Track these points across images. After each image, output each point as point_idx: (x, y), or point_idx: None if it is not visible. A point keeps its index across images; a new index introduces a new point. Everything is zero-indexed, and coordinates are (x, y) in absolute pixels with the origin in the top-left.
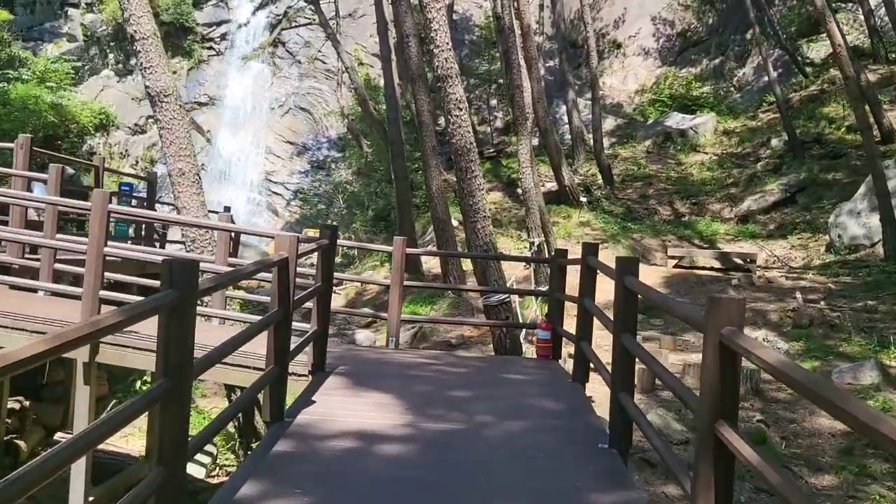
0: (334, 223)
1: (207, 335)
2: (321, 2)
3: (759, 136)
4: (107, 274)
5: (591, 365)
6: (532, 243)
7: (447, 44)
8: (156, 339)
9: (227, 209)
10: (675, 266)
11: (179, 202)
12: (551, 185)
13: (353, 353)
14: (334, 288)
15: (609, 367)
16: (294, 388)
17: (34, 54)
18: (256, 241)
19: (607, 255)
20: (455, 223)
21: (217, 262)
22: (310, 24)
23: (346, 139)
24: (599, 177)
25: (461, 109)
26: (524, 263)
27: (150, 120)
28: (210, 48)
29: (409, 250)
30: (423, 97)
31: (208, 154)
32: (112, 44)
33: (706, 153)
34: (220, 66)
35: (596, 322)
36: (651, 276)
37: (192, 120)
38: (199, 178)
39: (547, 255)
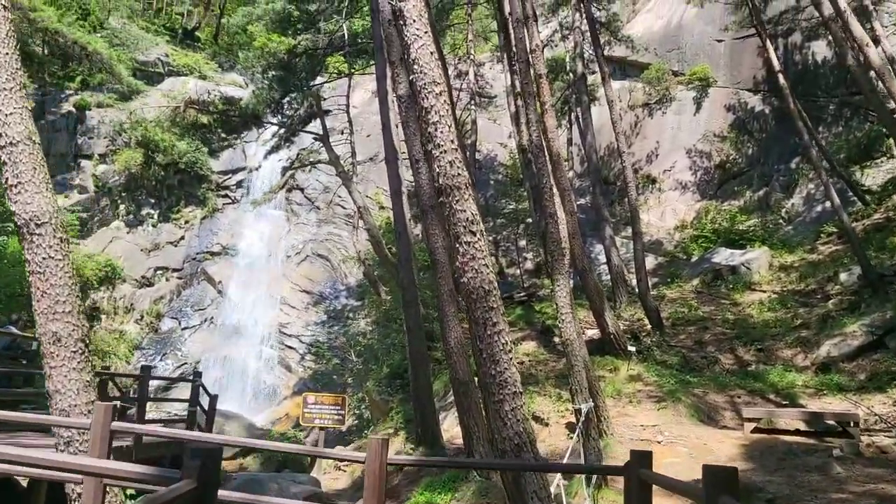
0: (349, 380)
1: None
2: (338, 143)
3: (823, 271)
4: None
5: None
6: (578, 410)
7: (452, 143)
8: None
9: (199, 375)
10: (754, 430)
11: (51, 382)
12: (593, 333)
13: None
14: (338, 464)
15: None
16: None
17: None
18: (238, 408)
19: (666, 417)
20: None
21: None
22: (318, 162)
23: (365, 286)
24: (647, 321)
25: (474, 234)
26: (568, 431)
27: (159, 272)
28: (225, 196)
29: (391, 459)
30: (436, 231)
31: (219, 307)
32: (124, 194)
33: (763, 291)
34: (234, 214)
35: None
36: (725, 444)
37: (204, 271)
38: (86, 346)
39: (597, 423)
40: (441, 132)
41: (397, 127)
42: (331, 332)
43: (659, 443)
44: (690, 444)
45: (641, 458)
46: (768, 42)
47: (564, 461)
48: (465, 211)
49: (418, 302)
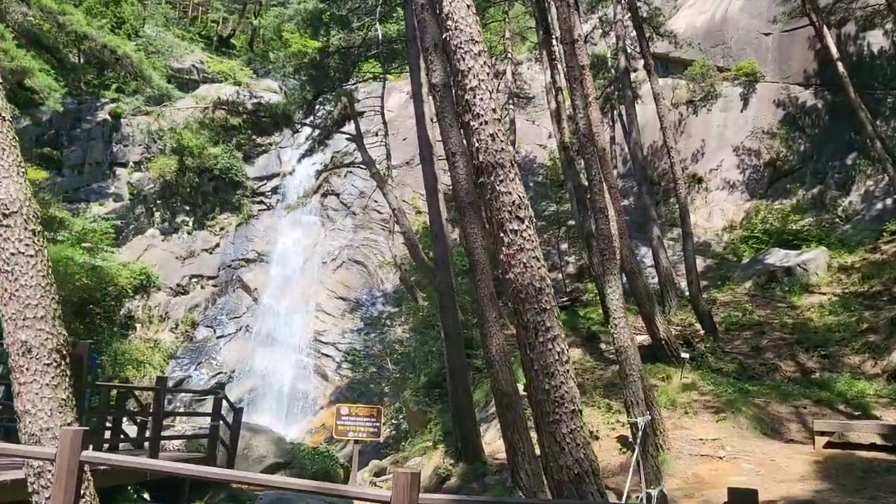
0: (386, 389)
1: None
2: (373, 145)
3: (889, 271)
4: None
5: None
6: (634, 425)
7: (493, 112)
8: None
9: (221, 386)
10: (827, 445)
11: (20, 401)
12: (642, 339)
13: None
14: (374, 480)
15: None
16: None
17: (80, 215)
18: (274, 418)
19: (726, 429)
20: (524, 390)
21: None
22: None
23: (402, 292)
24: (699, 326)
25: (521, 220)
26: (620, 445)
27: (194, 279)
28: (260, 202)
29: (423, 500)
30: (475, 230)
31: (255, 315)
32: (159, 202)
33: (823, 293)
34: (270, 220)
35: None
36: (795, 460)
37: (239, 278)
38: (62, 358)
39: (655, 438)
40: (481, 99)
41: (432, 121)
42: (367, 340)
43: (721, 458)
44: (756, 459)
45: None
46: (825, 30)
47: (627, 486)
48: (510, 193)
49: (456, 307)
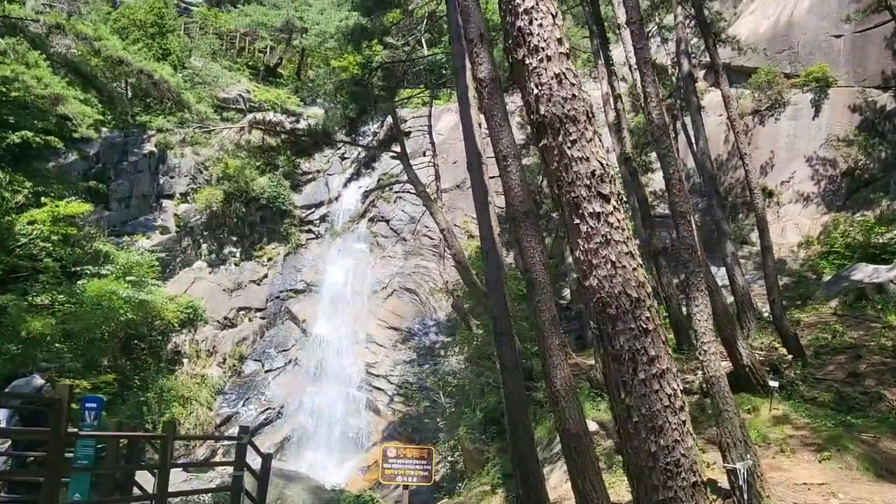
0: (440, 424)
1: None
2: (420, 166)
3: None
4: None
5: None
6: (735, 471)
7: (558, 44)
8: None
9: (245, 430)
10: None
11: None
12: (723, 365)
13: None
14: None
15: None
16: None
17: (126, 248)
18: (321, 459)
19: (833, 471)
20: (594, 426)
21: None
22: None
23: (455, 320)
24: (784, 350)
25: (606, 199)
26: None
27: (242, 312)
28: (308, 231)
29: None
30: (532, 243)
31: (303, 346)
32: (205, 233)
33: None
34: (318, 249)
35: None
36: None
37: (288, 310)
38: None
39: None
40: (540, 25)
41: (480, 126)
42: (420, 372)
43: None
44: None
45: None
46: None
47: None
48: (586, 159)
49: (513, 334)
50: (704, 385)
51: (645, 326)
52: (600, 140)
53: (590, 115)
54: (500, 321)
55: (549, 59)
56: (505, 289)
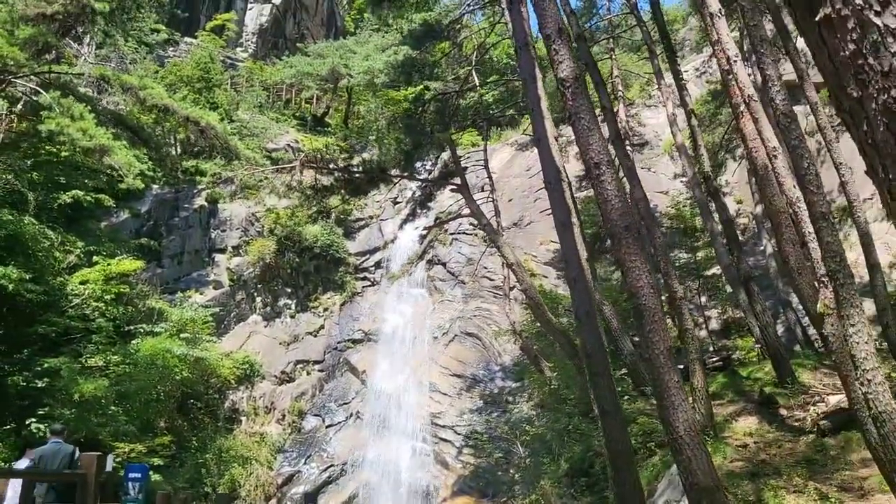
0: (516, 477)
1: None
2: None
3: None
4: None
5: None
6: None
7: None
8: None
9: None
10: None
11: None
12: (837, 400)
13: None
14: None
15: None
16: None
17: (179, 304)
18: None
19: None
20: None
21: None
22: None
23: (522, 364)
24: None
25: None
26: None
27: (300, 365)
28: (364, 278)
29: None
30: (636, 262)
31: (364, 398)
32: (259, 286)
33: None
34: (375, 296)
35: None
36: None
37: (347, 361)
38: None
39: None
40: None
41: (556, 139)
42: (489, 420)
43: None
44: None
45: None
46: None
47: None
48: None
49: (611, 373)
50: (822, 423)
51: None
52: None
53: None
54: (594, 359)
55: None
56: (598, 322)
